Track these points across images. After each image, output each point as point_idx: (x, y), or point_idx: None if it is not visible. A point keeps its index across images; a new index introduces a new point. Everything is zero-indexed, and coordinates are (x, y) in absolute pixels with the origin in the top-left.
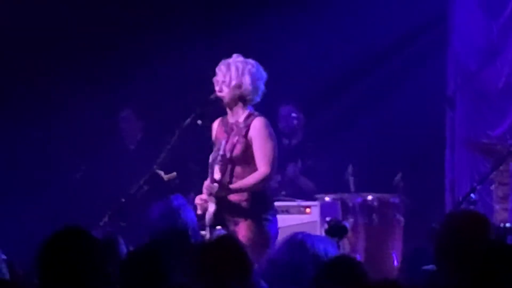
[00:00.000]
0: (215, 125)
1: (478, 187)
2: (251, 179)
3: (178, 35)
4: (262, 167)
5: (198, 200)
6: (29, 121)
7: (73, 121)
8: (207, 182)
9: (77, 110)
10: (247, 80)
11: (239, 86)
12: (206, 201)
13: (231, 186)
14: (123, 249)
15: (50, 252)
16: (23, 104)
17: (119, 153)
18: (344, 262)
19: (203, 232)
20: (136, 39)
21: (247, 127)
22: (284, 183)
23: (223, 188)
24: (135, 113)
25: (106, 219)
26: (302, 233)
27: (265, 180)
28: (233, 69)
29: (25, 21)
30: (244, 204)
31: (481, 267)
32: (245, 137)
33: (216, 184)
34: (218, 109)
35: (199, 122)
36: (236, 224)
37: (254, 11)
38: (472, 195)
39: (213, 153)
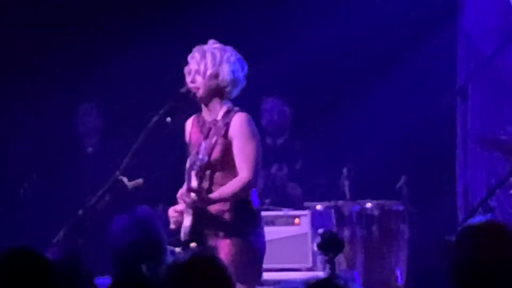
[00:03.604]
0: (189, 124)
1: (496, 192)
2: (230, 187)
3: (148, 24)
4: (243, 171)
5: (172, 212)
6: None
7: (22, 121)
8: (182, 191)
9: (28, 109)
10: (225, 69)
11: (215, 76)
12: (181, 213)
13: (210, 195)
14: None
15: None
16: None
17: (75, 157)
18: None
19: (177, 249)
20: (99, 29)
21: (227, 126)
22: (268, 189)
23: (201, 197)
24: (96, 109)
25: (60, 235)
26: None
27: (247, 187)
28: (208, 56)
29: None
30: (226, 215)
31: None
32: (225, 137)
33: (193, 193)
34: (190, 104)
35: (169, 119)
36: (217, 239)
37: None
38: (489, 201)
39: (191, 157)
